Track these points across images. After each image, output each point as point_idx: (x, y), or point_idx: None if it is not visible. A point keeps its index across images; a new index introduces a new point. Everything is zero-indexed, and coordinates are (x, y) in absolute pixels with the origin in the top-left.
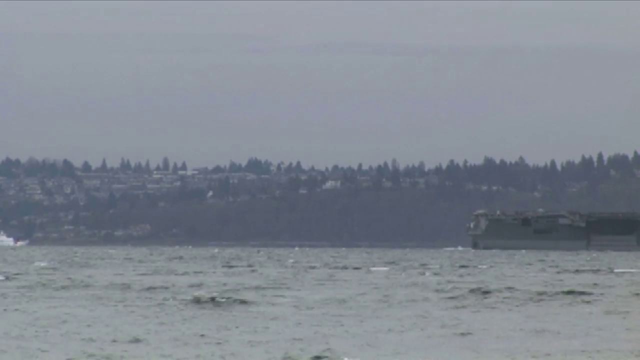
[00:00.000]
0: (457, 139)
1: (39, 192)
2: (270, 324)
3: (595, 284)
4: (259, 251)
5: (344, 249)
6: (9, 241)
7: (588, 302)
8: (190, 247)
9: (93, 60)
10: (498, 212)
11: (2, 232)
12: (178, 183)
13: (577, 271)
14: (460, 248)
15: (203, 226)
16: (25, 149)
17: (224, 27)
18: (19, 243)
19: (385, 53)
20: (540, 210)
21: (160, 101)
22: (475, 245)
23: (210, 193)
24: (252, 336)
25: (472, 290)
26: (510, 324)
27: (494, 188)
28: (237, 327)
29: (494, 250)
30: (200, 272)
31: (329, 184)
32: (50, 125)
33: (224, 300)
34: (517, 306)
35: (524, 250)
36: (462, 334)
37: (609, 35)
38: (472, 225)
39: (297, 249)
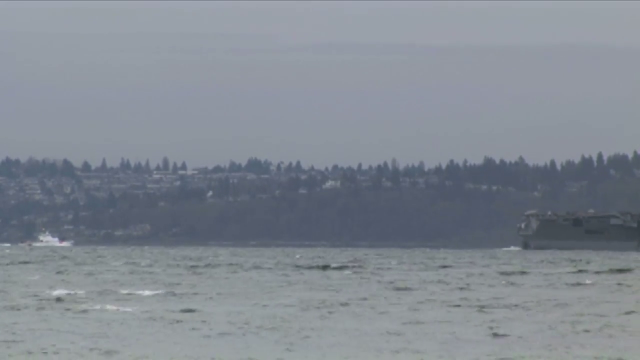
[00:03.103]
0: (457, 139)
1: (38, 192)
2: None
3: None
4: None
5: (349, 248)
6: (54, 241)
7: None
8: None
9: (93, 61)
10: (549, 213)
11: (47, 233)
12: (178, 183)
13: None
14: (512, 248)
15: (203, 226)
16: (25, 149)
17: (224, 27)
18: (64, 243)
19: (385, 53)
20: (591, 210)
21: (160, 101)
22: (526, 246)
23: (210, 193)
24: None
25: None
26: None
27: (494, 188)
28: None
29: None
30: None
31: (329, 184)
32: (50, 125)
33: None
34: None
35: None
36: None
37: (609, 34)
38: (522, 225)
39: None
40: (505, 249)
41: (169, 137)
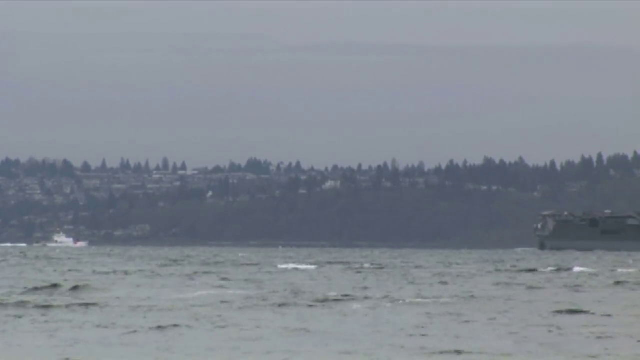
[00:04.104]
0: (457, 139)
1: (38, 192)
2: None
3: None
4: None
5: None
6: (69, 242)
7: None
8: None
9: (93, 61)
10: (566, 213)
11: (62, 233)
12: (178, 183)
13: None
14: (523, 249)
15: (203, 226)
16: (25, 149)
17: (223, 27)
18: (79, 244)
19: (385, 53)
20: (608, 211)
21: (160, 101)
22: (542, 246)
23: (210, 193)
24: None
25: None
26: None
27: (494, 188)
28: None
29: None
30: None
31: (329, 184)
32: (50, 126)
33: None
34: None
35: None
36: None
37: (610, 34)
38: (539, 226)
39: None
40: (519, 249)
41: (169, 137)
